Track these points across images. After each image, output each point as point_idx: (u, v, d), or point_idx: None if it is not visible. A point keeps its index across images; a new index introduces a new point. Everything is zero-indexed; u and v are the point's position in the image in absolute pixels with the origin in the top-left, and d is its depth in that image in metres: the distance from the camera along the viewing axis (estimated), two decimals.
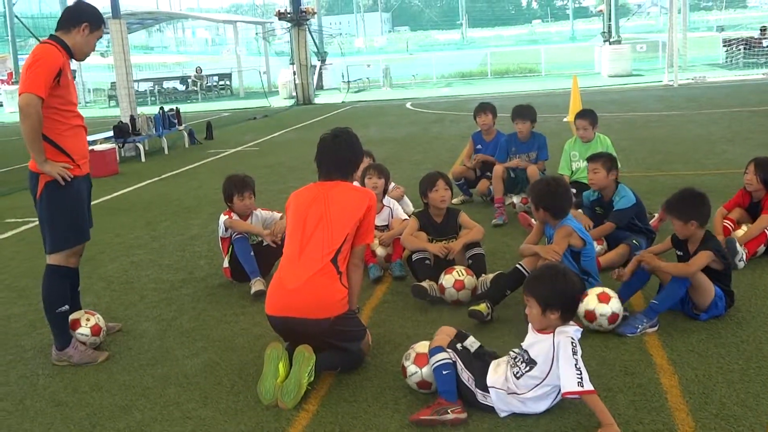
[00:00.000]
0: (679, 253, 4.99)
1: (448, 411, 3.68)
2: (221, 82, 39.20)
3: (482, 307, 4.93)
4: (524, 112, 8.16)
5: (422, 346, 4.09)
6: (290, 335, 4.33)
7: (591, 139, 7.64)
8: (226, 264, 6.25)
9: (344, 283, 4.31)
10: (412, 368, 4.03)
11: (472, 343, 4.01)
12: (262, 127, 20.85)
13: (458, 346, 3.95)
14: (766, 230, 5.83)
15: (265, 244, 6.13)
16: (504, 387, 3.74)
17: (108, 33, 15.96)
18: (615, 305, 4.62)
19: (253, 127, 21.12)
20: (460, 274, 5.38)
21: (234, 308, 5.71)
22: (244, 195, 6.22)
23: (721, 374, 4.05)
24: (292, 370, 4.08)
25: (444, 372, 3.80)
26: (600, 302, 4.59)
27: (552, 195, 5.10)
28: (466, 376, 3.81)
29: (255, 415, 3.97)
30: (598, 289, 4.72)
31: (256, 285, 5.81)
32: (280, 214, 6.30)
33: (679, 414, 3.66)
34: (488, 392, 3.76)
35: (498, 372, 3.82)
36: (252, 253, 5.99)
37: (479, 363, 3.90)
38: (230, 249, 6.15)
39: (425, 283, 5.42)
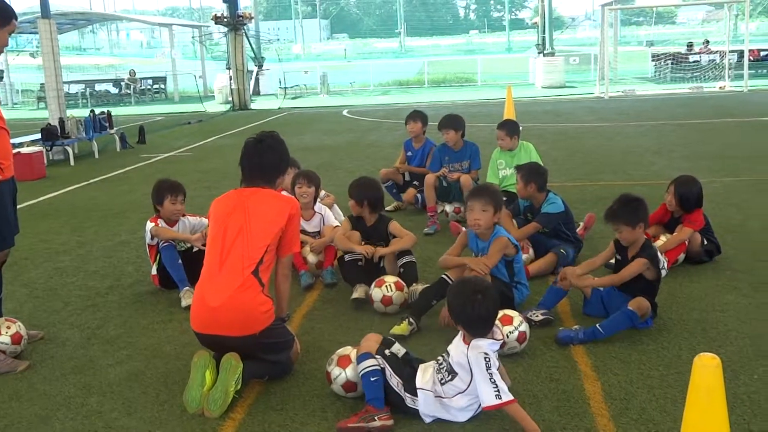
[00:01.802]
0: (618, 257, 5.10)
1: (375, 418, 3.69)
2: (155, 86, 38.50)
3: (402, 328, 4.91)
4: (448, 121, 8.24)
5: (344, 350, 4.11)
6: (217, 348, 4.27)
7: (513, 148, 7.79)
8: (154, 271, 6.15)
9: (268, 294, 4.25)
10: (336, 371, 4.02)
11: (398, 349, 4.02)
12: (196, 132, 20.58)
13: (386, 352, 3.96)
14: (685, 241, 6.01)
15: (195, 250, 6.05)
16: (432, 389, 3.76)
17: (37, 33, 15.56)
18: (519, 324, 4.52)
19: (187, 131, 20.84)
20: (389, 289, 5.35)
21: (162, 315, 5.62)
22: (177, 198, 6.15)
23: (641, 380, 4.15)
24: (218, 378, 4.03)
25: (372, 379, 3.80)
26: (504, 326, 4.41)
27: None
28: (395, 381, 3.82)
29: (180, 425, 3.90)
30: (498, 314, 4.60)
31: (186, 298, 5.69)
32: (207, 221, 6.23)
33: (601, 419, 3.74)
34: (417, 396, 3.78)
35: (426, 375, 3.84)
36: (180, 261, 5.90)
37: (408, 368, 3.91)
38: (158, 256, 6.05)
39: (359, 292, 5.44)
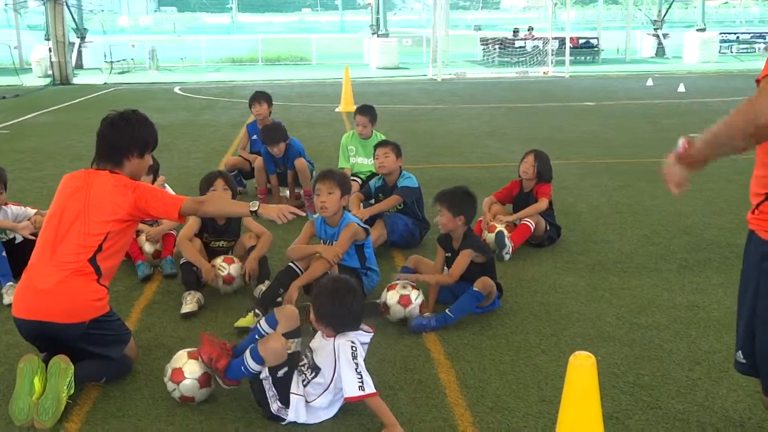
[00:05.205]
0: (447, 254, 5.10)
1: None
2: None
3: (248, 320, 4.71)
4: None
5: (178, 360, 3.81)
6: (41, 341, 3.91)
7: (369, 136, 7.73)
8: None
9: (104, 284, 3.94)
10: (170, 385, 3.77)
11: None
12: (12, 107, 19.05)
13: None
14: (529, 224, 6.14)
15: (18, 241, 5.53)
16: (303, 394, 3.59)
17: None
18: (417, 297, 4.79)
19: (1, 107, 19.26)
20: (223, 269, 5.21)
21: None
22: None
23: (494, 366, 4.18)
24: (48, 385, 3.66)
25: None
26: (405, 307, 4.74)
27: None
28: (272, 393, 3.58)
29: None
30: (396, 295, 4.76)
31: (9, 294, 5.17)
32: (34, 210, 5.72)
33: (458, 409, 3.72)
34: (287, 404, 3.56)
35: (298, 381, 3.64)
36: (4, 254, 5.36)
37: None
38: None
39: (190, 304, 5.01)
